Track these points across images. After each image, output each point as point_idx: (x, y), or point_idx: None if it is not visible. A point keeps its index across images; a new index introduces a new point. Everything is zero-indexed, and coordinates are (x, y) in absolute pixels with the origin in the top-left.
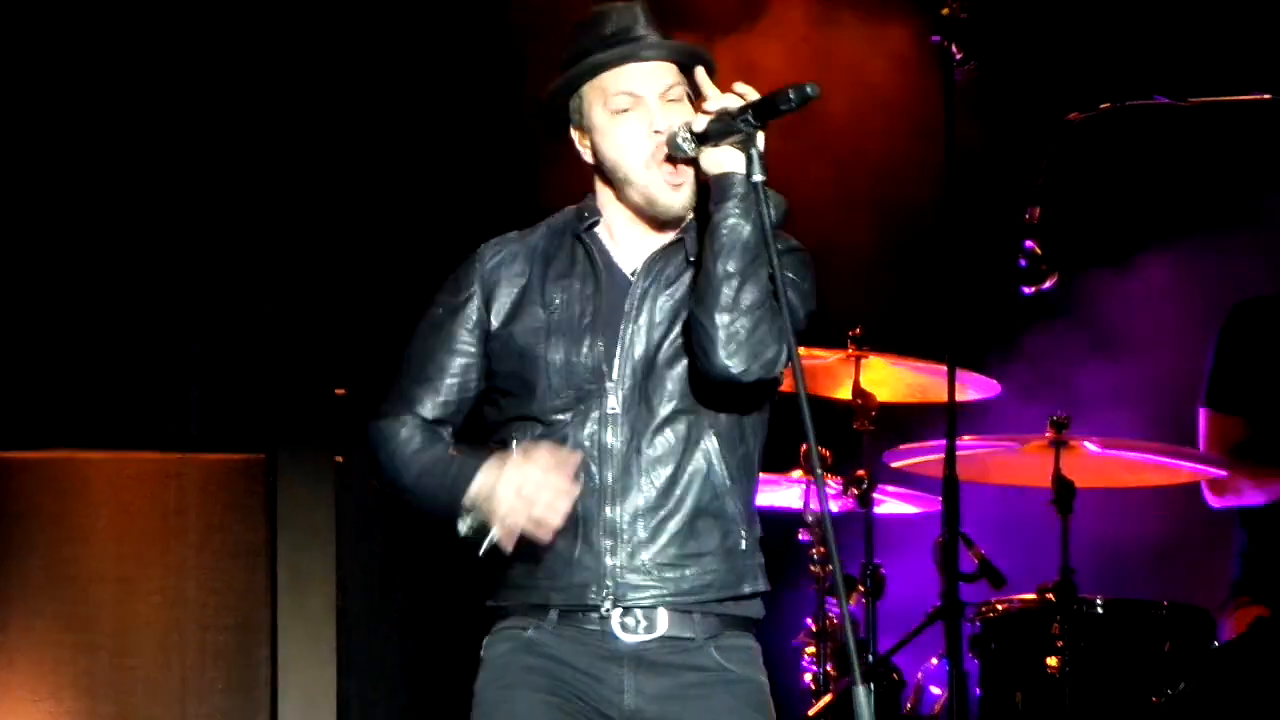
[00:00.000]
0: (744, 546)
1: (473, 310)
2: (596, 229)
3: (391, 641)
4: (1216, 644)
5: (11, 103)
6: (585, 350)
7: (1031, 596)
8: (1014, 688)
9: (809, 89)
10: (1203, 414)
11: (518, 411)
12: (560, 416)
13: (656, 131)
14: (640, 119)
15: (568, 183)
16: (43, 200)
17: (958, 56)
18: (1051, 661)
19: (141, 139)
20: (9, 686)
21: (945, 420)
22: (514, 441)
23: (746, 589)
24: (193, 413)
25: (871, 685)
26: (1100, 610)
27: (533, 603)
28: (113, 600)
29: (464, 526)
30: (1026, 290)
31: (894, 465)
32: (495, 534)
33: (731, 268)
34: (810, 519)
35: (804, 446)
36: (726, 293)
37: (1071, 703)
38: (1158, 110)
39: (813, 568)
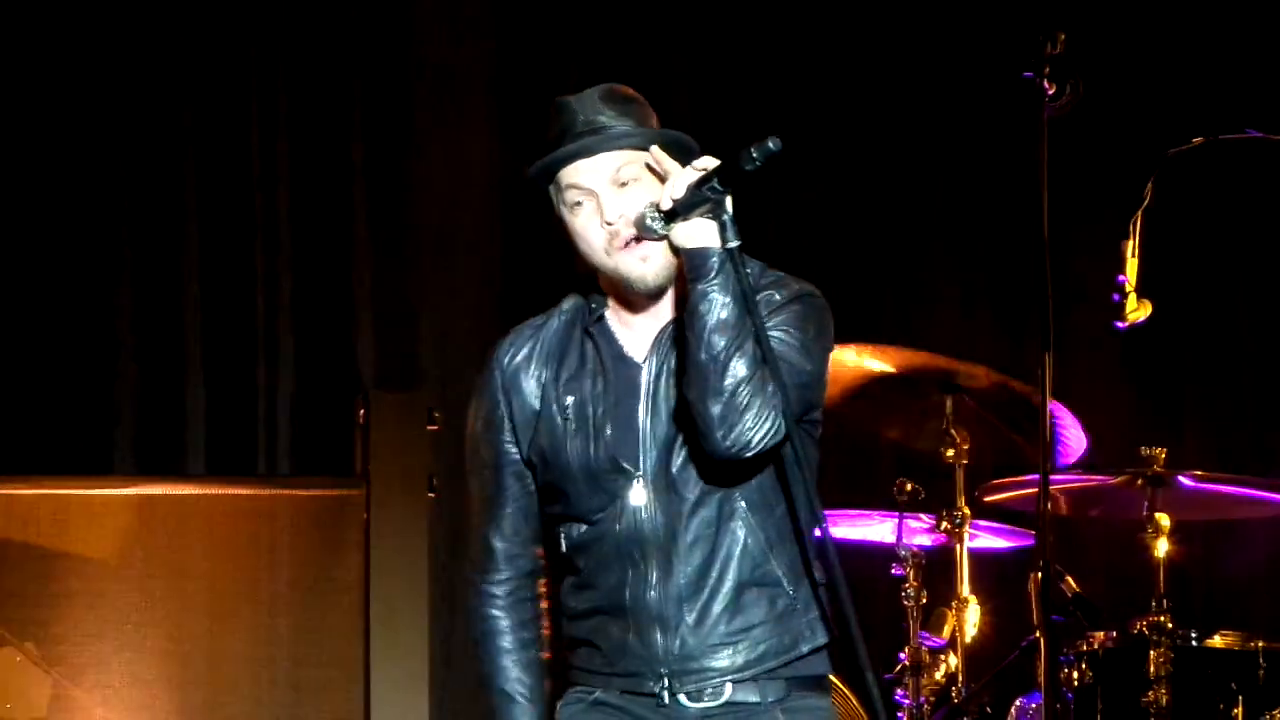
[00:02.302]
0: (797, 606)
1: (505, 425)
2: (605, 319)
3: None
4: None
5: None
6: (604, 450)
7: (1126, 630)
8: None
9: (770, 144)
10: None
11: (563, 511)
12: (599, 515)
13: (608, 223)
14: (593, 212)
15: None
16: (140, 241)
17: (1049, 92)
18: (1147, 695)
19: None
20: None
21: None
22: (560, 535)
23: (804, 648)
24: (285, 448)
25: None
26: (1195, 644)
27: (595, 682)
28: (207, 636)
29: None
30: (1121, 325)
31: (987, 500)
32: None
33: (715, 349)
34: (903, 553)
35: (900, 482)
36: (713, 377)
37: None
38: (1252, 144)
39: (905, 602)
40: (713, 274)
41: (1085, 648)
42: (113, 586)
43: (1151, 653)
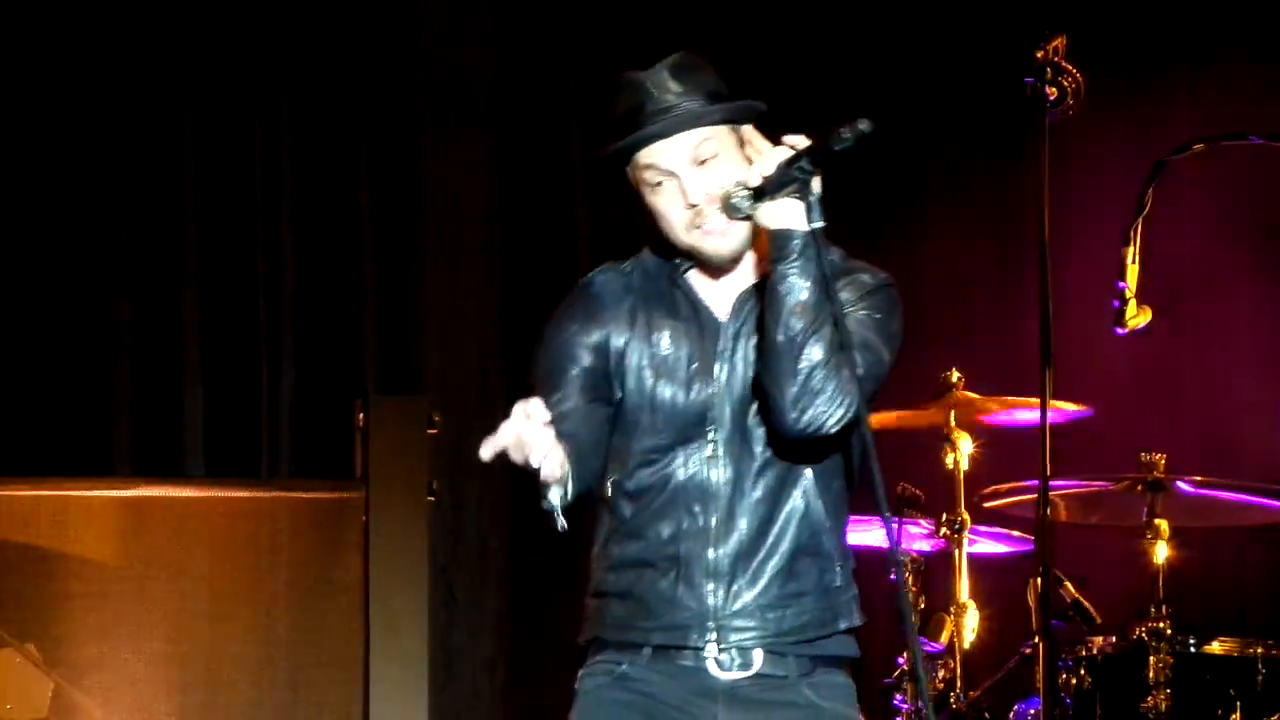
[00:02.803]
0: (839, 583)
1: (589, 341)
2: (689, 274)
3: (483, 680)
4: None
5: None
6: (692, 393)
7: (1125, 636)
8: None
9: (862, 125)
10: None
11: (624, 450)
12: (659, 455)
13: (691, 204)
14: (674, 192)
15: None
16: (133, 224)
17: (1050, 97)
18: (1146, 701)
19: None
20: None
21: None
22: (608, 484)
23: (842, 625)
24: (285, 451)
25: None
26: (1194, 651)
27: (628, 640)
28: (206, 637)
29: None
30: (1120, 331)
31: (986, 506)
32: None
33: (792, 331)
34: (902, 558)
35: (900, 487)
36: (789, 359)
37: None
38: (1252, 150)
39: (908, 604)
40: (794, 256)
41: (1084, 653)
42: (112, 588)
43: (1150, 658)
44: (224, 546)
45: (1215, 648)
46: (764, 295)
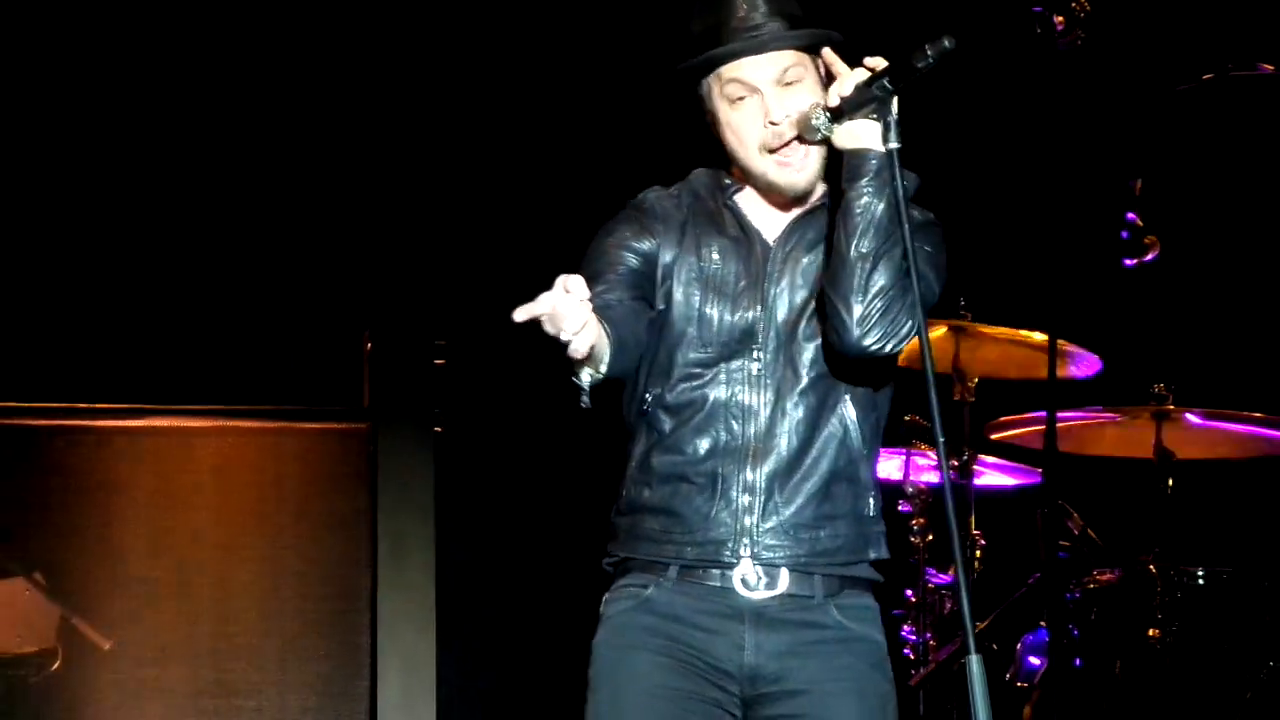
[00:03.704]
0: (871, 512)
1: (640, 243)
2: (738, 195)
3: (491, 610)
4: None
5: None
6: (738, 311)
7: (1132, 568)
8: (1114, 658)
9: (946, 42)
10: None
11: (668, 361)
12: (696, 371)
13: (772, 122)
14: (755, 109)
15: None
16: (149, 164)
17: (1060, 26)
18: (1152, 632)
19: (245, 109)
20: (114, 654)
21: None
22: (646, 396)
23: (871, 554)
24: (292, 381)
25: (980, 655)
26: (1201, 581)
27: (653, 559)
28: (213, 568)
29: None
30: (1129, 262)
31: (994, 437)
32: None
33: (865, 248)
34: (910, 490)
35: (907, 418)
36: (860, 275)
37: (1172, 673)
38: (1262, 80)
39: (912, 539)
40: (871, 175)
41: (1092, 584)
42: (120, 517)
43: (1157, 589)
44: (232, 477)
45: (1222, 579)
46: (835, 216)
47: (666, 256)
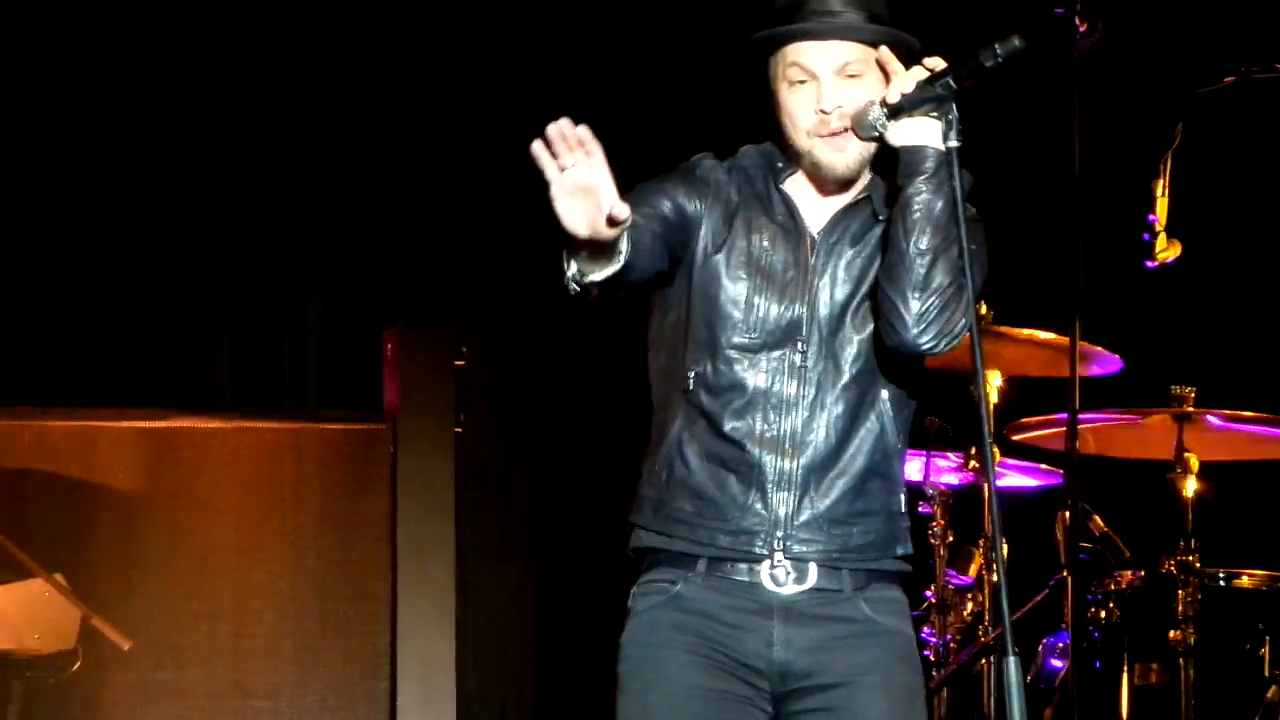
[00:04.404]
0: (901, 509)
1: (692, 199)
2: (788, 181)
3: (510, 611)
4: None
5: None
6: (785, 301)
7: (1153, 569)
8: (1135, 661)
9: (1016, 41)
10: None
11: (710, 339)
12: (737, 355)
13: (822, 110)
14: (809, 95)
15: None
16: (166, 165)
17: (1081, 29)
18: (1173, 634)
19: (268, 107)
20: (134, 655)
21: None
22: (689, 374)
23: (899, 550)
24: (313, 382)
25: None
26: (1223, 584)
27: (682, 551)
28: (233, 570)
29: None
30: (1150, 264)
31: (1015, 439)
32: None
33: (924, 245)
34: (930, 491)
35: (927, 420)
36: (919, 271)
37: (1193, 677)
38: None
39: (932, 540)
40: (930, 173)
41: (1112, 586)
42: (140, 519)
43: (1179, 592)
44: (252, 478)
45: (1244, 581)
46: (894, 213)
47: (708, 227)
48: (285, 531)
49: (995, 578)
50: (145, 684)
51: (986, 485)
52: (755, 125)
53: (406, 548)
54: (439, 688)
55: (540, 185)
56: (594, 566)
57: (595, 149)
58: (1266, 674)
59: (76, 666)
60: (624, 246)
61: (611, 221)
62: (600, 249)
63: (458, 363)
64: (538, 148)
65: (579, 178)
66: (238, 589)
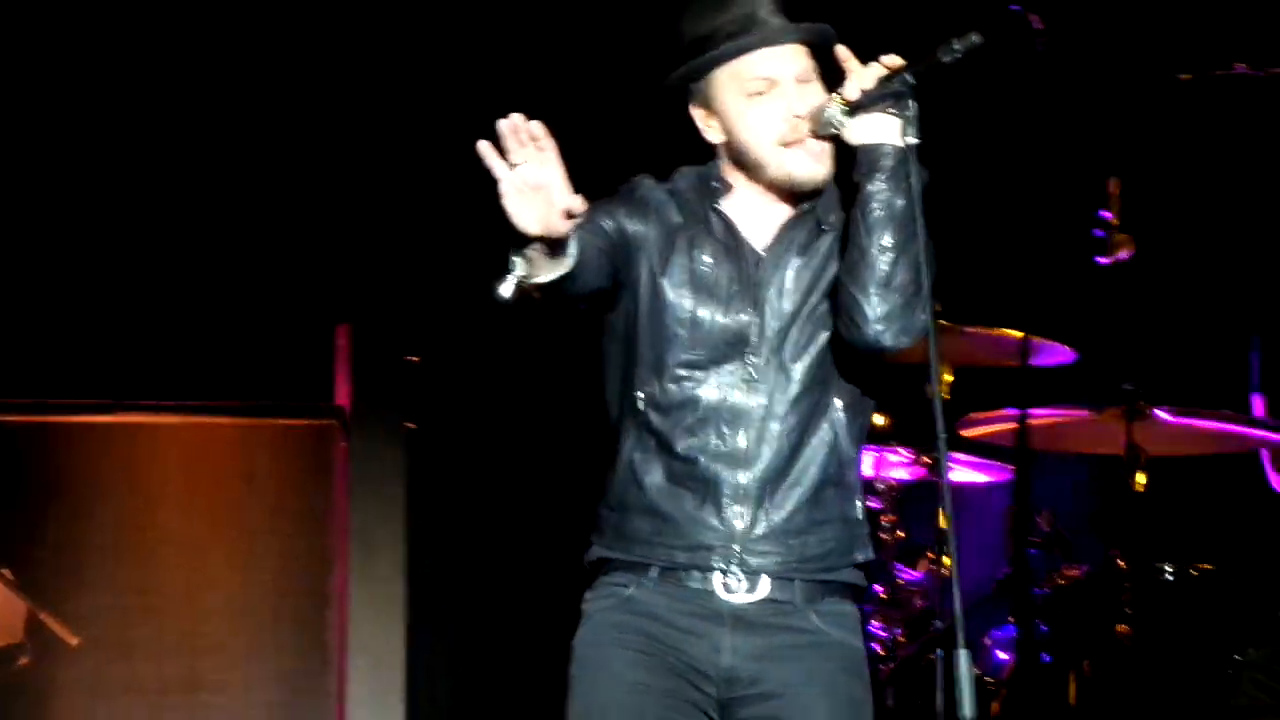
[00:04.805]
0: (858, 515)
1: (634, 220)
2: (724, 201)
3: (460, 607)
4: None
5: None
6: (730, 314)
7: (1101, 564)
8: (1083, 655)
9: (974, 38)
10: (1256, 401)
11: (657, 360)
12: (686, 373)
13: (796, 116)
14: (776, 102)
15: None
16: (122, 159)
17: (1038, 27)
18: (1120, 629)
19: (222, 104)
20: (82, 650)
21: (1018, 389)
22: (638, 395)
23: (859, 557)
24: (264, 376)
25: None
26: (1170, 578)
27: (635, 559)
28: (183, 564)
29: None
30: (1102, 260)
31: (965, 434)
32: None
33: (886, 242)
34: (880, 487)
35: (877, 416)
36: (881, 269)
37: (1140, 670)
38: (1238, 80)
39: (882, 535)
40: (889, 170)
41: (1061, 581)
42: (90, 512)
43: (1127, 585)
44: (202, 472)
45: (1190, 575)
46: (853, 213)
47: (650, 248)
48: (235, 526)
49: (946, 571)
50: (94, 678)
51: (941, 482)
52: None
53: (357, 542)
54: (388, 682)
55: (491, 182)
56: (546, 562)
57: (548, 145)
58: (1213, 668)
59: (24, 661)
60: (572, 249)
61: (568, 215)
62: (549, 250)
63: (410, 358)
64: (484, 146)
65: (529, 175)
66: (187, 583)
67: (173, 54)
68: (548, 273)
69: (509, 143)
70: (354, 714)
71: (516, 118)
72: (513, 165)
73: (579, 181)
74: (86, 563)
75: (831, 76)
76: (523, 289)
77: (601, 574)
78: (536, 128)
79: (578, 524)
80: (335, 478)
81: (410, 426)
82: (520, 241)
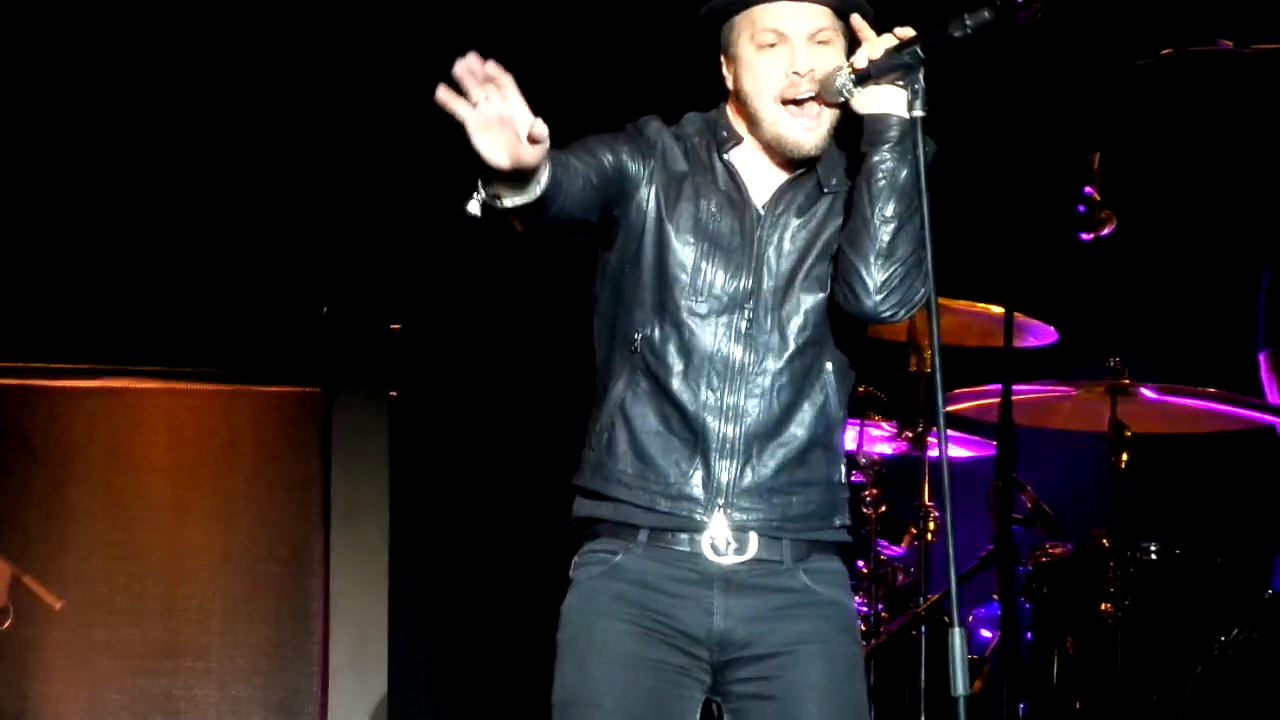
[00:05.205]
0: (841, 479)
1: (636, 159)
2: (732, 152)
3: (443, 574)
4: (1270, 592)
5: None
6: (732, 268)
7: (1085, 542)
8: (1066, 632)
9: (986, 13)
10: (1263, 359)
11: (640, 301)
12: (688, 319)
13: (795, 73)
14: (781, 57)
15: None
16: (109, 133)
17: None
18: (1104, 607)
19: (207, 87)
20: (65, 614)
21: (1002, 364)
22: (635, 336)
23: (838, 521)
24: (248, 344)
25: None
26: (1154, 556)
27: (622, 521)
28: (166, 530)
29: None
30: (1085, 236)
31: (949, 410)
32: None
33: (889, 213)
34: (863, 461)
35: (861, 389)
36: (883, 239)
37: (1123, 648)
38: (1221, 56)
39: (865, 510)
40: (894, 141)
41: (1044, 558)
42: (73, 477)
43: (1110, 564)
44: (186, 439)
45: (1175, 554)
46: (857, 181)
47: (652, 189)
48: (218, 492)
49: (930, 546)
50: (77, 643)
51: (940, 454)
52: (705, 93)
53: (339, 510)
54: (371, 649)
55: (472, 157)
56: (528, 531)
57: (506, 80)
58: (1197, 647)
59: (6, 625)
60: (543, 177)
61: (532, 140)
62: (520, 176)
63: (393, 326)
64: (444, 93)
65: (493, 110)
66: (170, 549)
67: (164, 37)
68: (516, 197)
69: (467, 84)
70: (336, 680)
71: (471, 58)
72: (474, 104)
73: (588, 121)
74: (70, 527)
75: (857, 45)
76: (493, 212)
77: (588, 540)
78: (491, 67)
79: (562, 492)
80: (318, 446)
81: (393, 395)
82: (491, 172)
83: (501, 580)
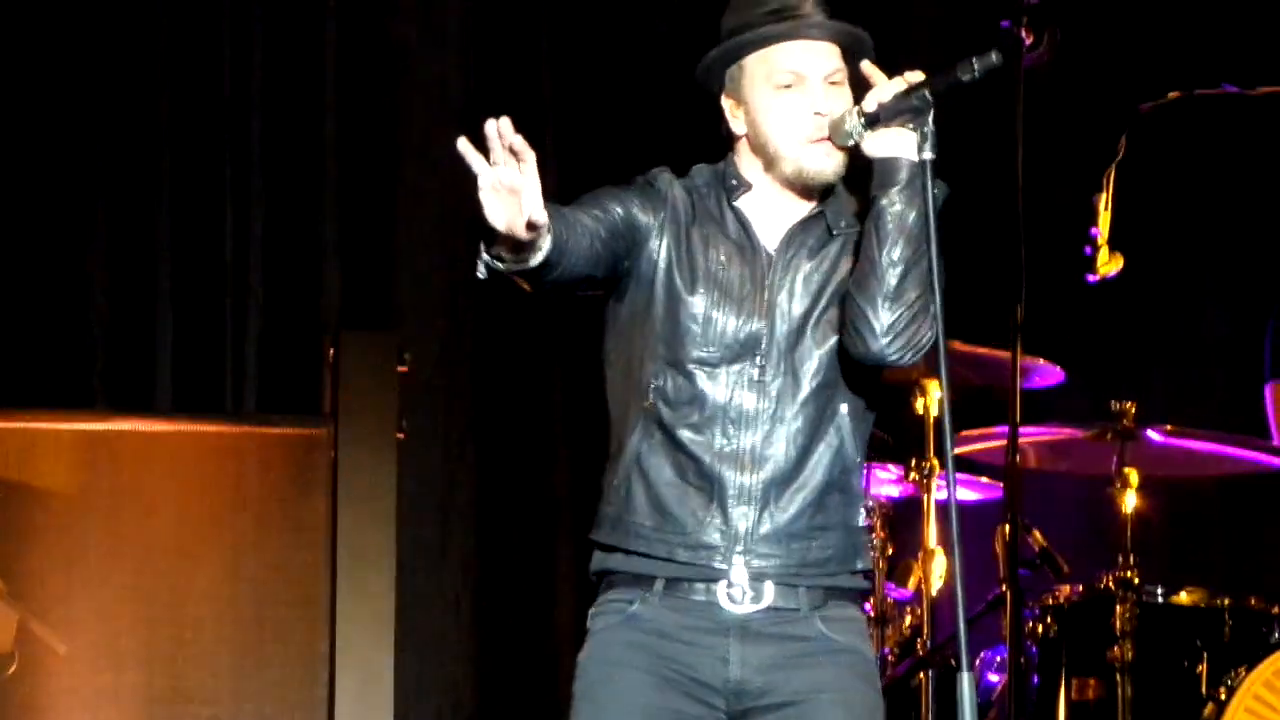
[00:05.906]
0: (860, 523)
1: (646, 212)
2: (741, 200)
3: (450, 619)
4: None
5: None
6: (744, 316)
7: (1092, 585)
8: (1072, 677)
9: (993, 57)
10: (1269, 390)
11: (652, 353)
12: (697, 370)
13: (818, 114)
14: (802, 98)
15: None
16: (110, 160)
17: (1027, 42)
18: (1111, 651)
19: (208, 106)
20: (70, 658)
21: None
22: (650, 387)
23: (859, 565)
24: (254, 386)
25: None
26: (1161, 601)
27: (639, 572)
28: (172, 573)
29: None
30: (1092, 278)
31: (955, 452)
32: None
33: (896, 256)
34: (870, 504)
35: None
36: (890, 282)
37: (1130, 693)
38: (1227, 99)
39: (871, 553)
40: (904, 184)
41: (1051, 602)
42: (79, 522)
43: (1117, 608)
44: (192, 481)
45: (1182, 598)
46: (865, 225)
47: (663, 242)
48: (224, 536)
49: (933, 592)
50: (82, 688)
51: (949, 498)
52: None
53: (346, 554)
54: (377, 695)
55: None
56: (535, 575)
57: (528, 157)
58: (1203, 691)
59: (12, 670)
60: (543, 246)
61: (529, 226)
62: (518, 245)
63: (400, 368)
64: (464, 144)
65: (506, 177)
66: (176, 593)
67: (148, 57)
68: (515, 264)
69: (492, 143)
70: None
71: (504, 122)
72: (492, 164)
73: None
74: (75, 572)
75: (865, 89)
76: (499, 274)
77: (605, 590)
78: (519, 141)
79: (571, 535)
80: (324, 488)
81: (401, 437)
82: (491, 233)
83: (510, 625)
